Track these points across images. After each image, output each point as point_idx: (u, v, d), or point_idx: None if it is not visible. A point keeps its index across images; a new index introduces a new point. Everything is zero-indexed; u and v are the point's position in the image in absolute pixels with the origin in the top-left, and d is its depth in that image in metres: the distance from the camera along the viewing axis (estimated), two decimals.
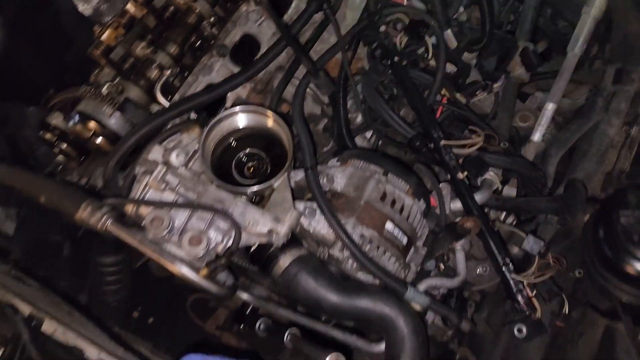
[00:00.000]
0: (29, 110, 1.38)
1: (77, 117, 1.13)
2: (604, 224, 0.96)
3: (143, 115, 1.14)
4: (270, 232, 0.96)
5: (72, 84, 1.49)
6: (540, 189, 1.29)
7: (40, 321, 0.92)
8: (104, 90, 1.13)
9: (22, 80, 1.43)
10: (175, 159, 1.00)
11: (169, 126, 1.08)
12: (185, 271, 0.96)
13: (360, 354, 1.10)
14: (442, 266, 1.15)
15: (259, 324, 1.17)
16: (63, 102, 1.33)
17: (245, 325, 1.34)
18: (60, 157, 1.31)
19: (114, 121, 1.12)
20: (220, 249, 0.97)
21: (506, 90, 1.46)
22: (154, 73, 1.18)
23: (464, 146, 1.21)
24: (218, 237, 0.96)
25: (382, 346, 1.03)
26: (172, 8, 1.26)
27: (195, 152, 1.01)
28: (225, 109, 1.09)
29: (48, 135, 1.32)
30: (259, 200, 1.01)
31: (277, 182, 0.98)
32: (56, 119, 1.31)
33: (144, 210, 0.98)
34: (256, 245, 1.01)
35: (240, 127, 1.03)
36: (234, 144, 1.04)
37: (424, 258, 1.14)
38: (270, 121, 1.02)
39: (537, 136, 1.41)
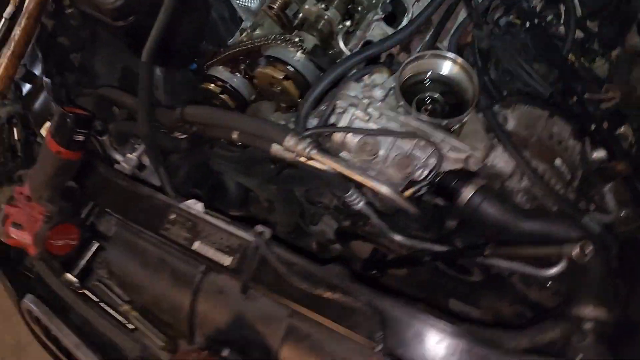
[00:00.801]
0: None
1: (263, 61, 1.23)
2: None
3: (327, 60, 1.24)
4: (467, 157, 1.06)
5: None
6: None
7: None
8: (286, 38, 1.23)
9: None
10: (376, 93, 1.10)
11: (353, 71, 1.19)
12: (390, 193, 1.06)
13: None
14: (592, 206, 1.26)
15: None
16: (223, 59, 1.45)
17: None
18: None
19: (302, 64, 1.22)
20: (421, 173, 1.07)
21: (621, 58, 1.58)
22: (327, 26, 1.28)
23: (601, 101, 1.33)
24: (420, 162, 1.07)
25: (553, 270, 1.13)
26: None
27: (389, 89, 1.11)
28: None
29: (212, 86, 1.43)
30: None
31: (467, 116, 1.09)
32: (220, 72, 1.43)
33: (350, 138, 1.09)
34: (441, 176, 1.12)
35: (427, 71, 1.14)
36: (418, 84, 1.15)
37: (575, 197, 1.24)
38: (455, 66, 1.12)
39: None
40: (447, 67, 1.11)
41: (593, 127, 1.30)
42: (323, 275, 0.99)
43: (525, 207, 1.15)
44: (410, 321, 0.93)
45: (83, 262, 1.30)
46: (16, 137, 1.43)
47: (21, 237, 1.25)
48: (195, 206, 1.12)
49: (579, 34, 1.51)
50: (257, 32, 1.46)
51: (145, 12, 1.49)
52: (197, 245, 1.10)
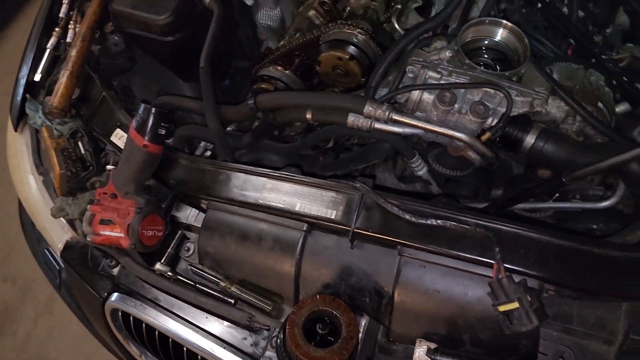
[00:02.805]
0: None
1: (326, 46, 1.37)
2: None
3: (388, 38, 1.39)
4: (533, 100, 1.21)
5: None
6: None
7: None
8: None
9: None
10: (442, 55, 1.24)
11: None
12: (469, 139, 1.19)
13: None
14: None
15: None
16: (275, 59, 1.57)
17: None
18: None
19: (364, 43, 1.35)
20: (492, 120, 1.21)
21: (613, 34, 1.81)
22: (374, 15, 1.44)
23: (617, 60, 1.52)
24: (492, 108, 1.20)
25: (610, 201, 1.27)
26: None
27: (453, 51, 1.26)
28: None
29: (264, 85, 1.54)
30: None
31: (524, 68, 1.24)
32: (271, 71, 1.55)
33: (427, 96, 1.22)
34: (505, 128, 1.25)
35: (483, 38, 1.30)
36: (475, 51, 1.30)
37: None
38: (506, 31, 1.28)
39: None
40: (500, 32, 1.28)
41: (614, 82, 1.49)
42: (430, 209, 1.09)
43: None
44: (523, 236, 1.03)
45: (170, 251, 1.34)
46: (82, 149, 1.48)
47: (112, 232, 1.29)
48: (292, 173, 1.21)
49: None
50: (298, 35, 1.60)
51: (192, 28, 1.62)
52: (298, 207, 1.17)
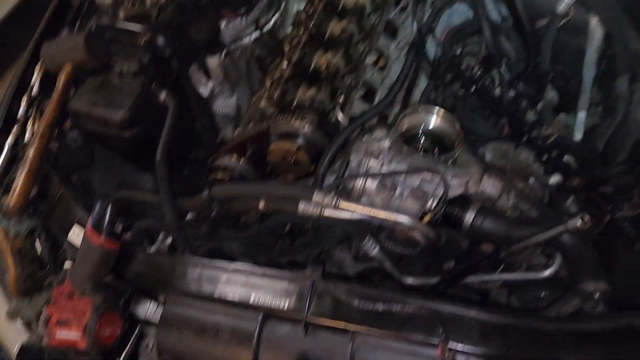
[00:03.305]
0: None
1: (276, 137, 1.45)
2: None
3: (333, 128, 1.48)
4: (467, 181, 1.30)
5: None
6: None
7: None
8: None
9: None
10: (382, 144, 1.34)
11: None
12: (413, 223, 1.26)
13: None
14: None
15: None
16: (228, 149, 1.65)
17: None
18: None
19: (311, 134, 1.44)
20: (432, 202, 1.29)
21: (544, 109, 1.96)
22: (320, 106, 1.54)
23: (546, 137, 1.65)
24: (430, 192, 1.29)
25: (550, 270, 1.35)
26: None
27: (392, 139, 1.36)
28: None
29: (220, 175, 1.61)
30: None
31: (458, 151, 1.34)
32: (225, 161, 1.62)
33: (370, 183, 1.30)
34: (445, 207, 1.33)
35: (419, 124, 1.40)
36: (412, 137, 1.40)
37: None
38: (440, 118, 1.40)
39: (577, 136, 1.89)
40: (434, 119, 1.39)
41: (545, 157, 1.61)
42: (379, 293, 1.14)
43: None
44: (464, 316, 1.09)
45: (129, 348, 1.35)
46: (39, 248, 1.50)
47: (68, 333, 1.29)
48: (245, 265, 1.25)
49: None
50: (251, 124, 1.69)
51: (149, 123, 1.69)
52: (253, 298, 1.21)
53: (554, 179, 1.59)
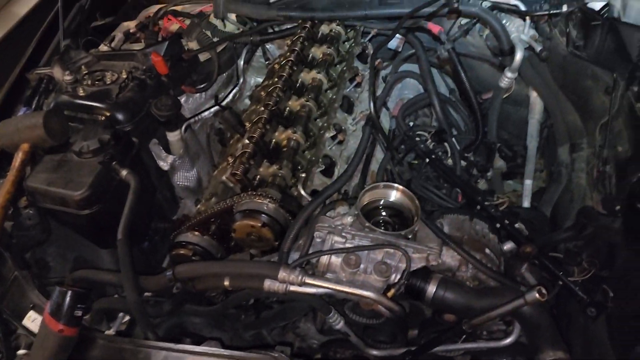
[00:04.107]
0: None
1: (240, 215, 1.47)
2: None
3: (296, 204, 1.51)
4: (427, 255, 1.35)
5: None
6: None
7: None
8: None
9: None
10: (345, 220, 1.38)
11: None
12: (378, 297, 1.29)
13: None
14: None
15: None
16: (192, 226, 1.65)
17: None
18: None
19: (274, 211, 1.47)
20: (395, 276, 1.32)
21: (494, 177, 2.07)
22: (282, 182, 1.58)
23: (498, 205, 1.74)
24: (392, 267, 1.32)
25: (510, 338, 1.39)
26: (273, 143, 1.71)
27: (354, 216, 1.40)
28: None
29: (183, 251, 1.60)
30: None
31: (417, 226, 1.40)
32: (189, 237, 1.62)
33: (334, 260, 1.32)
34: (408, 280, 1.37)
35: (380, 199, 1.46)
36: (373, 210, 1.45)
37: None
38: (400, 193, 1.46)
39: (526, 203, 2.00)
40: (394, 194, 1.44)
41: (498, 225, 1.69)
42: None
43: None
44: None
45: None
46: None
47: None
48: (212, 347, 1.23)
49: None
50: (213, 199, 1.70)
51: (109, 200, 1.68)
52: None
53: (507, 246, 1.66)
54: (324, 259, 1.33)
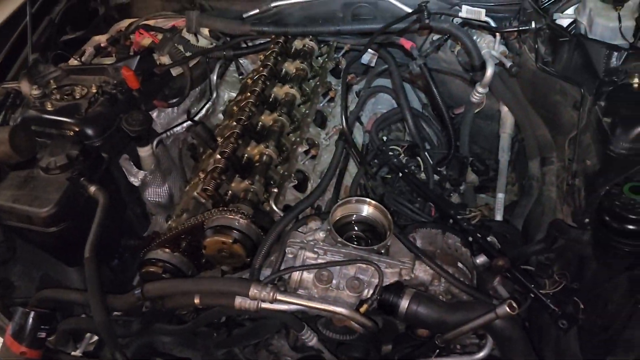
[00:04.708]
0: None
1: (211, 231, 1.44)
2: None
3: (268, 220, 1.49)
4: (400, 270, 1.34)
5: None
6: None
7: None
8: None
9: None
10: (317, 236, 1.36)
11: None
12: (351, 314, 1.28)
13: None
14: None
15: None
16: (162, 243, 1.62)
17: None
18: None
19: (246, 227, 1.45)
20: (367, 291, 1.31)
21: (466, 191, 2.09)
22: (255, 197, 1.56)
23: (471, 219, 1.75)
24: (365, 282, 1.31)
25: (483, 352, 1.39)
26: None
27: (326, 231, 1.39)
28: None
29: (153, 269, 1.57)
30: None
31: (389, 241, 1.39)
32: (159, 254, 1.58)
33: (306, 275, 1.31)
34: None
35: (352, 213, 1.45)
36: (346, 225, 1.45)
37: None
38: (372, 208, 1.45)
39: (498, 216, 2.02)
40: (366, 208, 1.44)
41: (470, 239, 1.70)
42: None
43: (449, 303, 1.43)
44: None
45: None
46: None
47: None
48: None
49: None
50: (184, 215, 1.68)
51: (76, 217, 1.64)
52: None
53: (480, 259, 1.67)
54: (296, 275, 1.31)
